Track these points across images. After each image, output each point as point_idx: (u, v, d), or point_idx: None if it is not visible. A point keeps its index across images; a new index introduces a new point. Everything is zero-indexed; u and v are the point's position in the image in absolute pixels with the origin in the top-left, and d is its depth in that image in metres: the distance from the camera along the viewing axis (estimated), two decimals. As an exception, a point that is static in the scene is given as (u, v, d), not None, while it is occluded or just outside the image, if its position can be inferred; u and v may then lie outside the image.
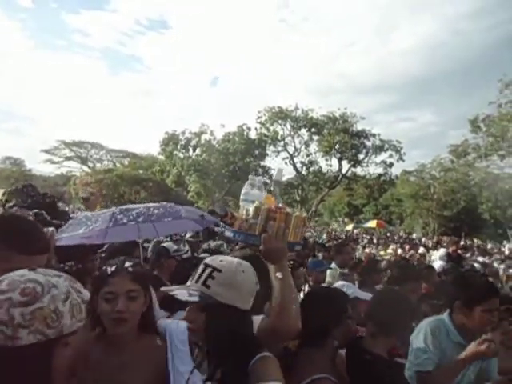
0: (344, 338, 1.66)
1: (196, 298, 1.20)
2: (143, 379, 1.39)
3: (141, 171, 40.55)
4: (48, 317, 0.86)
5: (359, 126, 31.22)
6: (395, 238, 20.12)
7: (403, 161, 31.52)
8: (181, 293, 1.22)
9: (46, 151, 43.65)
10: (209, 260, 1.30)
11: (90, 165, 45.97)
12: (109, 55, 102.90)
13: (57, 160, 44.93)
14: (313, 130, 32.15)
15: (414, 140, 69.66)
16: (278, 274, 1.38)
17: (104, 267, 1.50)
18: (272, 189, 1.73)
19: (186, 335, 1.46)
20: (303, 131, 32.77)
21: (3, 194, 5.83)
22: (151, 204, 3.28)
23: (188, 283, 1.29)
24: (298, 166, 33.19)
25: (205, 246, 4.88)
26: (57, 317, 0.87)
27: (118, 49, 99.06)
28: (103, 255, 3.18)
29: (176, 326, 1.55)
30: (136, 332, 1.46)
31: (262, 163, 32.55)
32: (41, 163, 44.90)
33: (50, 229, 2.28)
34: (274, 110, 31.98)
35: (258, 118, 32.32)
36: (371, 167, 32.24)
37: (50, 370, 0.88)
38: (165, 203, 3.28)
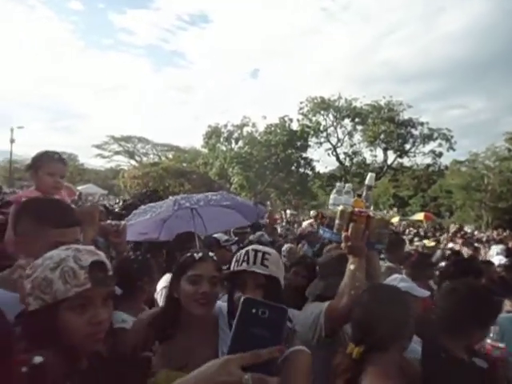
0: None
1: (267, 272, 1.44)
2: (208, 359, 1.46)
3: (184, 164, 41.64)
4: (40, 284, 1.01)
5: (406, 115, 30.00)
6: (444, 230, 19.23)
7: (454, 150, 29.99)
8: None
9: (97, 146, 45.95)
10: (255, 247, 1.53)
11: (137, 159, 47.82)
12: (152, 52, 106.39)
13: (106, 154, 47.19)
14: (356, 119, 31.32)
15: (465, 128, 65.35)
16: (351, 266, 1.70)
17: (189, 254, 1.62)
18: (364, 193, 2.02)
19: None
20: (346, 121, 32.05)
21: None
22: (209, 193, 3.53)
23: (244, 266, 1.46)
24: (341, 157, 32.56)
25: (250, 237, 5.09)
26: (47, 283, 1.00)
27: (160, 45, 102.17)
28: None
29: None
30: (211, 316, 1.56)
31: (304, 155, 32.25)
32: (92, 158, 47.43)
33: (123, 222, 2.43)
34: (316, 101, 31.47)
35: (300, 108, 32.00)
36: (419, 157, 30.97)
37: (56, 331, 1.01)
38: (221, 191, 3.51)
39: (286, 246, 5.18)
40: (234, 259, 1.55)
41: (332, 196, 2.15)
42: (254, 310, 0.72)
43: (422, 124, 29.74)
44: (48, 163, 2.43)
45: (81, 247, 1.10)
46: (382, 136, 30.12)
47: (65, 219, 1.40)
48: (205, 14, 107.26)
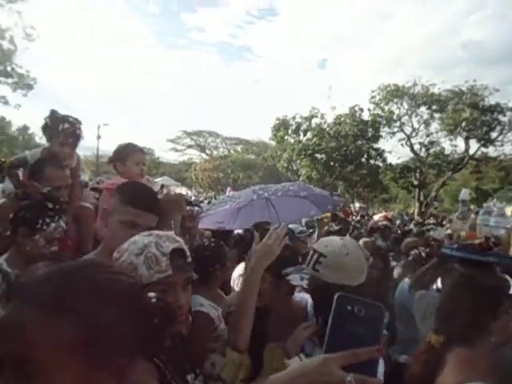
0: (502, 335, 1.50)
1: (304, 283, 1.41)
2: None
3: (253, 157, 42.36)
4: (127, 269, 1.04)
5: (492, 100, 27.19)
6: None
7: (549, 138, 26.58)
8: (294, 277, 1.38)
9: (171, 141, 48.61)
10: (316, 245, 1.48)
11: (208, 152, 49.66)
12: (222, 48, 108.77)
13: (180, 148, 49.76)
14: (434, 107, 29.10)
15: None
16: None
17: None
18: (459, 209, 1.87)
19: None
20: (422, 109, 29.90)
21: None
22: (287, 183, 3.54)
23: (303, 265, 1.49)
24: (416, 147, 30.56)
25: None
26: (132, 268, 1.04)
27: (230, 41, 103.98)
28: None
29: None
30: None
31: (375, 145, 30.86)
32: (166, 152, 50.27)
33: (196, 208, 2.60)
34: (389, 89, 29.83)
35: (372, 97, 30.56)
36: (507, 146, 27.94)
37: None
38: (298, 182, 3.54)
39: (361, 240, 5.08)
40: None
41: (481, 217, 2.12)
42: (349, 307, 0.70)
43: (511, 109, 26.78)
44: (133, 153, 2.66)
45: (161, 233, 1.14)
46: (464, 124, 27.65)
47: (145, 203, 1.48)
48: (273, 7, 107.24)
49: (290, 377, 0.69)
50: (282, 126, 32.20)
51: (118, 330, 0.63)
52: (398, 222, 12.72)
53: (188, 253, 1.16)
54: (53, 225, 1.94)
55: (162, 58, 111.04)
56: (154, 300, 0.74)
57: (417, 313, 2.20)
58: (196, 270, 2.01)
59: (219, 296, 2.37)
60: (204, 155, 49.29)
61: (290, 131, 32.19)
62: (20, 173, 2.62)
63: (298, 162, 30.39)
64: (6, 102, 19.85)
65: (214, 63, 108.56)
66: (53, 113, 2.61)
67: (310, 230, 3.87)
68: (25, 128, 36.42)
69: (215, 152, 49.69)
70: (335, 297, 0.71)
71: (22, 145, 30.64)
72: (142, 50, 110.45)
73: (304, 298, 1.64)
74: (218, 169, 39.19)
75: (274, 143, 34.19)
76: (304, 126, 31.82)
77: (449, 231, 7.77)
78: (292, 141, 31.89)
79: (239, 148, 49.13)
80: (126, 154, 2.61)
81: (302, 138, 31.82)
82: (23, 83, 19.67)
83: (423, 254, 3.55)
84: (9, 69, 19.16)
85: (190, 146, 49.98)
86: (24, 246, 1.90)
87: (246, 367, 1.48)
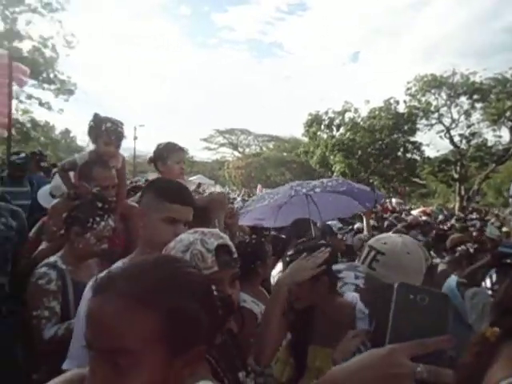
0: None
1: (360, 282, 1.30)
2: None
3: (285, 153, 42.18)
4: None
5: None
6: None
7: None
8: (348, 274, 1.32)
9: (204, 139, 49.34)
10: (373, 241, 1.37)
11: (240, 150, 50.02)
12: (253, 46, 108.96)
13: (212, 147, 50.42)
14: (475, 96, 27.70)
15: None
16: None
17: None
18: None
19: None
20: (462, 99, 28.53)
21: None
22: (325, 179, 3.50)
23: (356, 262, 1.35)
24: (456, 139, 29.24)
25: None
26: None
27: (260, 38, 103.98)
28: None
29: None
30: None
31: (411, 139, 29.88)
32: (200, 151, 51.08)
33: (235, 206, 2.63)
34: (426, 79, 28.73)
35: (407, 89, 29.55)
36: (557, 137, 26.18)
37: None
38: (337, 178, 3.48)
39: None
40: None
41: None
42: (411, 296, 0.67)
43: (560, 96, 25.06)
44: (174, 152, 2.72)
45: (206, 230, 1.15)
46: (508, 113, 26.17)
47: (181, 197, 1.49)
48: (303, 2, 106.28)
49: (355, 368, 0.66)
50: (314, 122, 31.83)
51: (197, 320, 0.68)
52: (440, 217, 12.27)
53: (233, 249, 1.17)
54: (102, 223, 2.03)
55: (194, 58, 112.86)
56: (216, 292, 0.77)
57: (472, 309, 2.11)
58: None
59: (261, 292, 2.38)
60: (236, 153, 49.69)
61: (322, 127, 31.76)
62: (71, 174, 2.75)
63: (332, 157, 29.92)
64: (50, 108, 20.86)
65: (245, 61, 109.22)
66: (96, 115, 2.73)
67: (349, 227, 3.79)
68: (67, 131, 38.24)
69: (247, 150, 50.00)
70: (395, 286, 0.69)
71: (65, 148, 32.19)
72: (174, 52, 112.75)
73: (356, 296, 1.60)
74: (251, 166, 39.34)
75: (306, 139, 33.89)
76: (337, 121, 31.29)
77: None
78: (325, 136, 31.47)
79: (271, 145, 49.11)
80: (167, 153, 2.68)
81: (335, 133, 31.32)
82: (65, 89, 20.59)
83: (471, 250, 3.40)
84: (51, 76, 20.13)
85: (222, 145, 50.54)
86: (76, 243, 2.00)
87: (291, 367, 1.48)
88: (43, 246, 2.36)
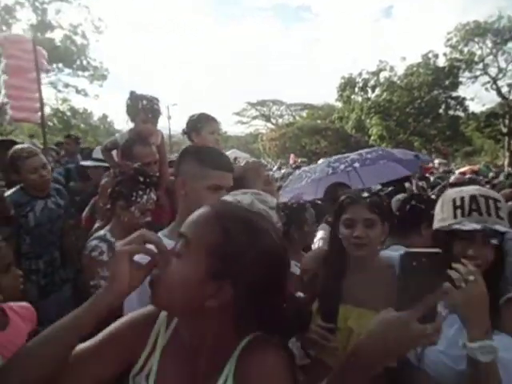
0: None
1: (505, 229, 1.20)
2: (380, 296, 1.49)
3: (319, 121, 41.18)
4: None
5: None
6: None
7: None
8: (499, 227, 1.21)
9: (237, 113, 49.08)
10: (479, 191, 1.26)
11: (273, 121, 49.42)
12: (279, 11, 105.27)
13: (245, 120, 50.10)
14: (525, 40, 25.47)
15: None
16: None
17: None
18: None
19: None
20: (510, 45, 26.33)
21: None
22: (363, 150, 3.37)
23: (459, 218, 1.25)
24: (504, 90, 27.23)
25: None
26: None
27: (287, 3, 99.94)
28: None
29: None
30: (375, 256, 1.57)
31: (454, 94, 28.12)
32: (233, 125, 51.08)
33: (270, 173, 2.62)
34: (468, 27, 26.66)
35: (448, 40, 27.63)
36: None
37: None
38: (377, 147, 3.32)
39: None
40: (442, 209, 1.35)
41: None
42: (414, 263, 0.74)
43: None
44: (207, 123, 2.71)
45: (255, 191, 1.16)
46: None
47: (224, 163, 1.50)
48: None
49: (375, 339, 0.76)
50: (347, 85, 30.69)
51: (244, 257, 0.76)
52: (490, 174, 11.63)
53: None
54: (145, 197, 2.11)
55: (219, 32, 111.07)
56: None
57: None
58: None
59: (302, 257, 2.41)
60: (270, 125, 49.13)
61: (356, 89, 30.58)
62: (114, 153, 2.85)
63: (368, 121, 28.90)
64: (86, 94, 21.56)
65: (272, 28, 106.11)
66: (132, 93, 2.77)
67: (390, 188, 3.65)
68: (104, 117, 39.44)
69: (280, 120, 49.23)
70: (399, 256, 0.76)
71: (104, 133, 33.30)
72: (198, 29, 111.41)
73: (393, 256, 1.57)
74: (285, 137, 38.85)
75: (340, 104, 32.84)
76: (372, 82, 29.97)
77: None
78: (360, 99, 30.34)
79: (304, 113, 48.07)
80: (201, 123, 2.67)
81: (370, 95, 30.09)
82: (98, 74, 21.12)
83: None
84: (84, 62, 20.68)
85: (255, 117, 50.08)
86: (123, 217, 2.09)
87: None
88: (98, 223, 2.50)
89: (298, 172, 3.48)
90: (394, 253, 1.65)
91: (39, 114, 5.04)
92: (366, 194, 1.57)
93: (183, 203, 1.51)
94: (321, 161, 3.54)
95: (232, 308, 0.78)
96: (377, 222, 1.52)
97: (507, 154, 26.46)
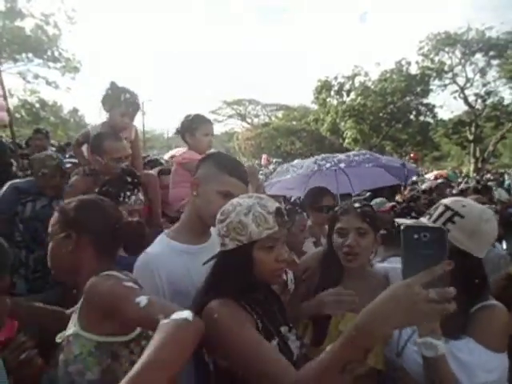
0: None
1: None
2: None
3: (294, 122, 41.55)
4: (236, 227, 1.15)
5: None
6: None
7: None
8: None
9: (212, 112, 48.70)
10: (449, 202, 1.31)
11: (249, 121, 49.41)
12: (258, 12, 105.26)
13: (221, 119, 49.81)
14: (491, 53, 26.55)
15: None
16: None
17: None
18: None
19: None
20: (478, 56, 27.44)
21: None
22: (351, 152, 3.41)
23: (423, 220, 1.33)
24: (471, 99, 28.37)
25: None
26: (242, 226, 1.14)
27: (265, 4, 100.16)
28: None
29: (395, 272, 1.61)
30: (367, 265, 1.60)
31: (424, 101, 29.09)
32: (209, 123, 50.52)
33: (261, 177, 2.62)
34: (439, 37, 27.61)
35: (420, 49, 28.50)
36: None
37: (251, 266, 1.17)
38: (364, 151, 3.36)
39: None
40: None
41: None
42: (416, 236, 0.78)
43: None
44: (202, 124, 2.67)
45: (259, 195, 1.24)
46: (526, 69, 25.15)
47: (240, 173, 1.51)
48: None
49: (380, 303, 0.79)
50: (323, 88, 31.10)
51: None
52: (459, 180, 12.24)
53: (285, 211, 1.24)
54: (133, 197, 2.07)
55: (198, 29, 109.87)
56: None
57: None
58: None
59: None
60: (245, 124, 49.12)
61: (332, 92, 31.05)
62: (84, 148, 2.77)
63: (342, 124, 29.42)
64: (57, 86, 20.80)
65: (251, 29, 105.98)
66: (113, 84, 2.68)
67: (367, 194, 3.73)
68: (75, 110, 38.13)
69: (256, 120, 49.31)
70: (402, 228, 0.79)
71: (74, 127, 32.22)
72: (177, 23, 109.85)
73: (385, 267, 1.61)
74: (260, 137, 38.96)
75: (316, 107, 33.24)
76: (347, 86, 30.53)
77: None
78: (335, 102, 30.81)
79: (280, 114, 48.34)
80: (196, 125, 2.61)
81: (345, 98, 30.63)
82: (70, 66, 20.42)
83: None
84: (56, 54, 19.94)
85: (230, 116, 49.88)
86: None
87: (311, 330, 1.51)
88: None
89: (285, 166, 3.51)
90: (389, 265, 1.70)
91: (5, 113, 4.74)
92: (357, 204, 1.61)
93: (192, 204, 1.53)
94: (295, 162, 3.58)
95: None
96: (369, 231, 1.56)
97: (472, 160, 27.63)
